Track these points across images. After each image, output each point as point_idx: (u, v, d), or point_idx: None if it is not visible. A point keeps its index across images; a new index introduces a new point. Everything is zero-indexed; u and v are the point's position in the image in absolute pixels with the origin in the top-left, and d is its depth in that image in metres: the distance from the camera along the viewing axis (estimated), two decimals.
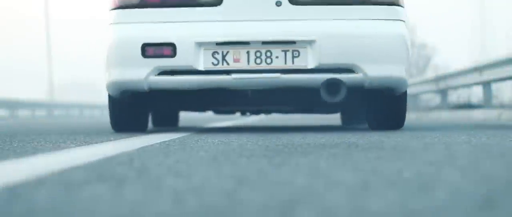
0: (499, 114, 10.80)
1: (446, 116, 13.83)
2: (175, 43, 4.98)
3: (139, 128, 5.70)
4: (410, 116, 16.18)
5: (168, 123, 7.91)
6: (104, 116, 36.31)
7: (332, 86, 5.01)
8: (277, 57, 4.99)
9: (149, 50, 4.99)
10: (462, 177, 1.72)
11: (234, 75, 4.98)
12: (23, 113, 32.01)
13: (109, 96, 5.54)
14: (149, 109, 5.95)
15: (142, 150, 2.95)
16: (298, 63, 4.99)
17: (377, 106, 5.65)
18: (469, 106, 14.42)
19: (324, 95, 5.03)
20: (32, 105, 32.53)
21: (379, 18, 5.09)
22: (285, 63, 4.99)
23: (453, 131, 5.17)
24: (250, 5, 5.08)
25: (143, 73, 5.01)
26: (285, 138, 4.09)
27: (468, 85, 14.48)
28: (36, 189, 1.54)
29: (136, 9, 5.10)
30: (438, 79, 16.00)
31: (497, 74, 11.95)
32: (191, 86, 5.06)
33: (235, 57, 4.99)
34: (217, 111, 7.00)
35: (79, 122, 14.51)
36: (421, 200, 1.32)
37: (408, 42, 5.18)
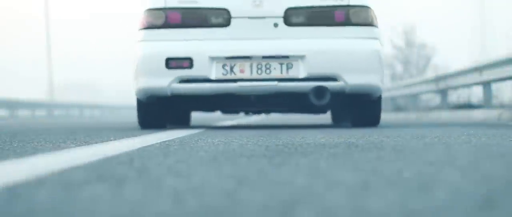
0: (499, 114, 10.80)
1: (446, 116, 13.83)
2: (192, 57, 6.05)
3: (161, 125, 6.73)
4: (410, 116, 16.18)
5: (182, 122, 8.77)
6: (104, 116, 36.33)
7: (319, 91, 6.04)
8: (274, 68, 6.06)
9: (172, 62, 6.05)
10: (462, 177, 1.72)
11: (239, 83, 6.04)
12: (23, 113, 31.99)
13: (137, 100, 6.57)
14: (169, 110, 6.92)
15: (142, 150, 2.95)
16: (292, 73, 6.06)
17: (357, 108, 6.78)
18: (469, 106, 14.41)
19: (312, 99, 6.06)
20: (32, 105, 32.50)
21: (357, 36, 6.18)
22: (281, 73, 6.05)
23: (453, 131, 5.18)
24: (253, 26, 6.16)
25: (166, 81, 6.07)
26: (285, 138, 4.09)
27: (468, 85, 14.46)
28: (36, 189, 1.54)
29: (161, 29, 6.17)
30: (438, 79, 15.98)
31: (497, 74, 11.94)
32: (205, 91, 6.10)
33: (240, 69, 6.06)
34: (225, 112, 7.96)
35: (79, 122, 14.51)
36: (421, 200, 1.32)
37: (382, 56, 6.27)
